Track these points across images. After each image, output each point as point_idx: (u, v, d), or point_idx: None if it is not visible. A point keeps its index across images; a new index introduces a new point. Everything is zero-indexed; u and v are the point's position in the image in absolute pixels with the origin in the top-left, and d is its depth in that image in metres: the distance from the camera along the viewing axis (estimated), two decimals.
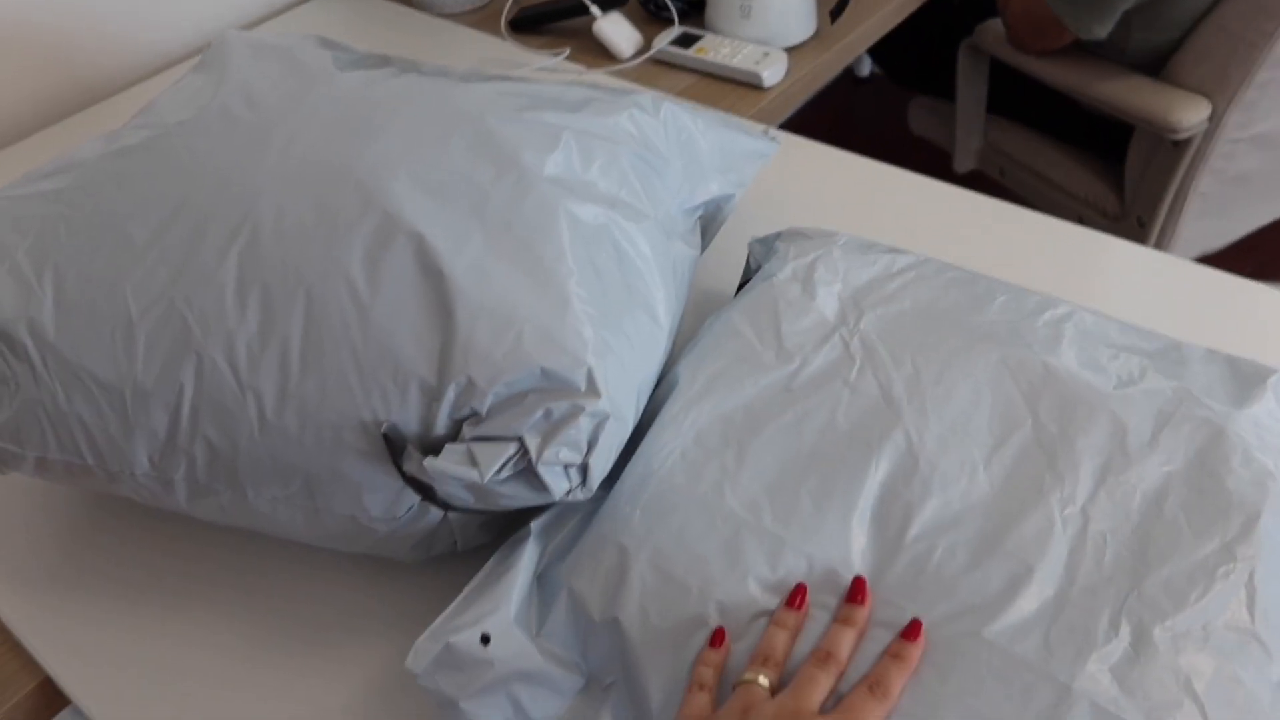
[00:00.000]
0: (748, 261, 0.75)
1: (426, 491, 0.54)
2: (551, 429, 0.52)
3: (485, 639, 0.52)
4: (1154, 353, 0.61)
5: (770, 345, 0.64)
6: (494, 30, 1.29)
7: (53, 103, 1.22)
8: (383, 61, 0.73)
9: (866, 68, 2.59)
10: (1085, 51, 1.38)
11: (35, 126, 1.20)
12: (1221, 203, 1.41)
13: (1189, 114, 1.27)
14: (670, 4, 1.25)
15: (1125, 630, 0.48)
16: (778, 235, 0.73)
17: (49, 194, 0.63)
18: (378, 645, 0.63)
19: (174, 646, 0.64)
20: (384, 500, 0.56)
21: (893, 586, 0.51)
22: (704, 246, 0.76)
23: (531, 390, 0.53)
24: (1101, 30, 1.26)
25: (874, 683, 0.48)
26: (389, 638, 0.63)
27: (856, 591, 0.51)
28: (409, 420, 0.53)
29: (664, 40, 1.21)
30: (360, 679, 0.61)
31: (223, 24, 1.35)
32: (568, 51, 1.21)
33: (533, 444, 0.52)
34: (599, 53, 1.23)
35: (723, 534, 0.54)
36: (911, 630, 0.49)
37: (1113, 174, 1.48)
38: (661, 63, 1.22)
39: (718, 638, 0.51)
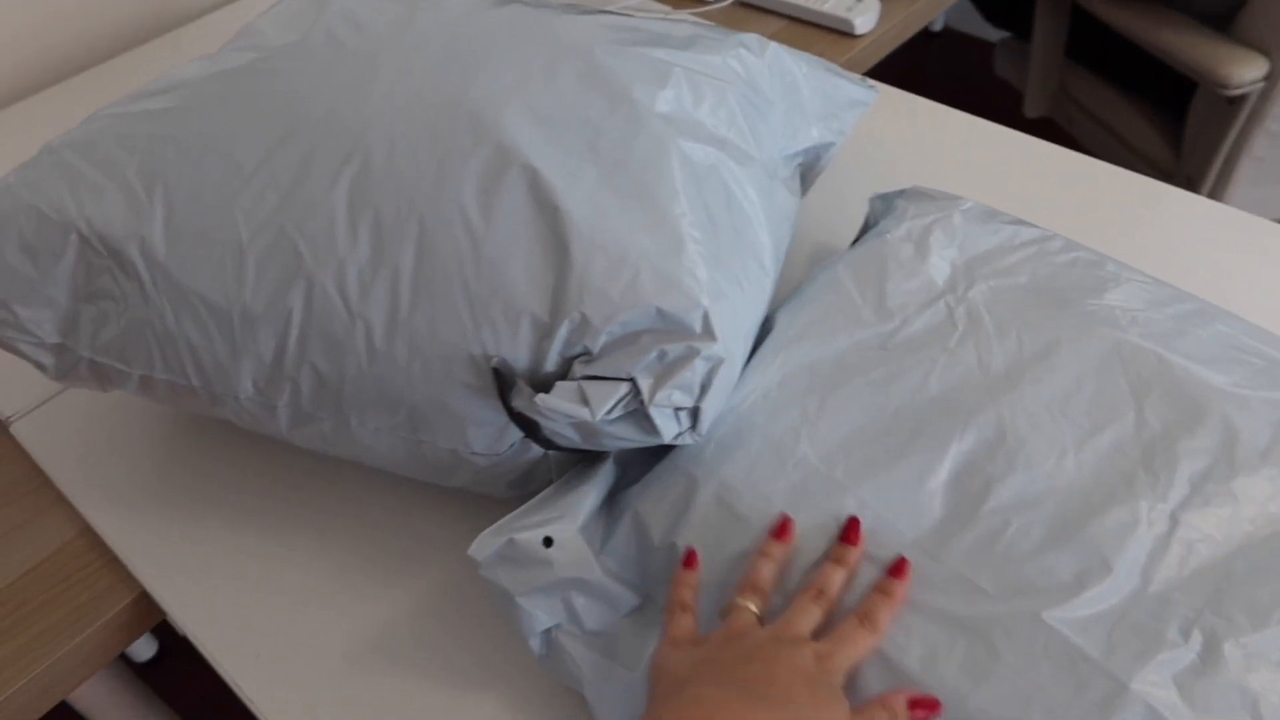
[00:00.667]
0: (866, 219, 0.74)
1: (531, 428, 0.54)
2: (665, 371, 0.52)
3: (548, 541, 0.53)
4: None
5: (871, 302, 0.63)
6: None
7: (136, 26, 1.21)
8: None
9: (940, 22, 2.53)
10: (1158, 0, 1.34)
11: (118, 49, 1.20)
12: (1277, 169, 1.37)
13: (1243, 69, 1.25)
14: None
15: (1196, 640, 0.47)
16: (900, 193, 0.72)
17: (155, 113, 0.63)
18: (456, 569, 0.64)
19: (263, 565, 0.66)
20: (488, 435, 0.56)
21: (958, 555, 0.51)
22: (802, 194, 0.75)
23: (646, 331, 0.52)
24: None
25: (864, 615, 0.49)
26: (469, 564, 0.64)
27: (849, 532, 0.51)
28: (519, 356, 0.53)
29: None
30: (429, 591, 0.63)
31: None
32: None
33: (645, 385, 0.51)
34: None
35: (791, 478, 0.55)
36: (898, 568, 0.50)
37: (1174, 131, 1.46)
38: (748, 5, 1.19)
39: (691, 559, 0.52)
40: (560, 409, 0.51)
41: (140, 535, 0.68)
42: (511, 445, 0.57)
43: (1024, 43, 1.70)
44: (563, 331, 0.52)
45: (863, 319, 0.62)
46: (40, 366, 0.63)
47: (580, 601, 0.55)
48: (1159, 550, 0.50)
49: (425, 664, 0.60)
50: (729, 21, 1.16)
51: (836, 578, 0.50)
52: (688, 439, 0.54)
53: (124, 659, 1.38)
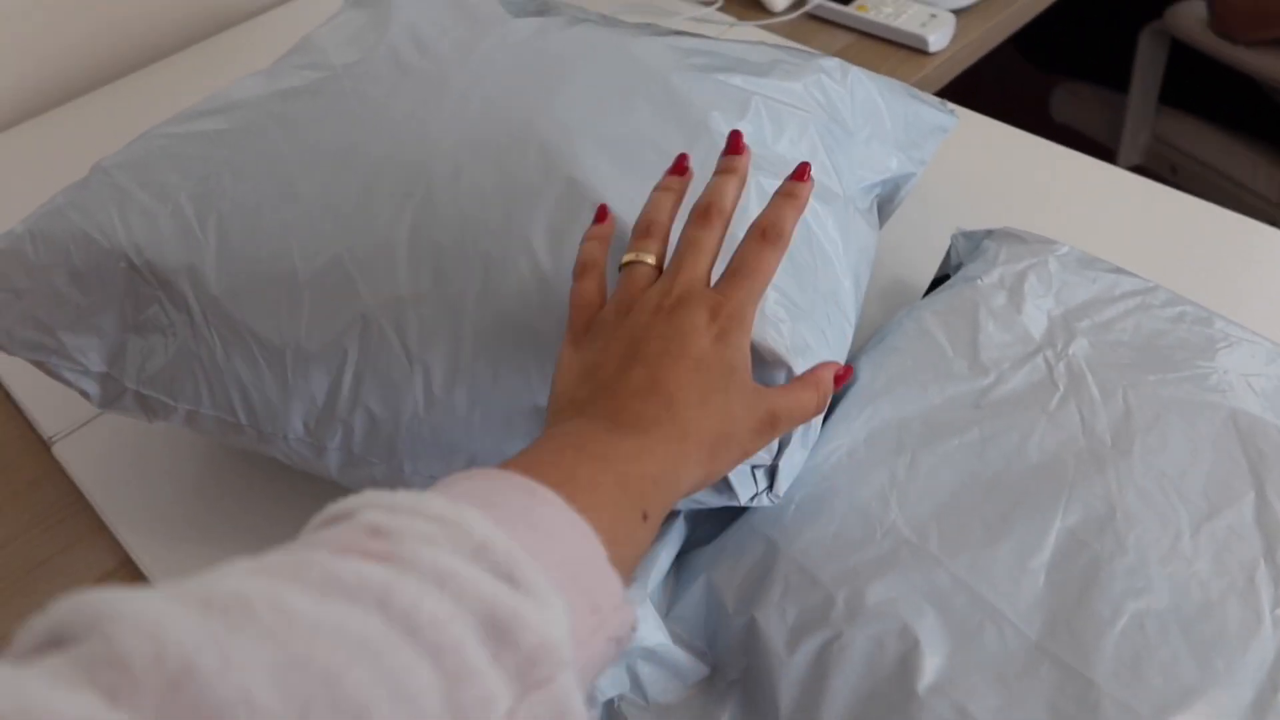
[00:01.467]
0: (948, 254, 0.70)
1: None
2: None
3: None
4: None
5: (964, 354, 0.58)
6: None
7: (186, 28, 1.20)
8: (550, 8, 0.69)
9: None
10: None
11: (167, 52, 1.19)
12: None
13: None
14: None
15: None
16: (988, 233, 0.67)
17: (211, 135, 0.61)
18: None
19: None
20: None
21: (1068, 645, 0.46)
22: (881, 223, 0.71)
23: None
24: None
25: (765, 226, 0.45)
26: None
27: (734, 143, 0.48)
28: None
29: None
30: None
31: None
32: (720, 2, 1.15)
33: None
34: (750, 4, 1.16)
35: (881, 548, 0.50)
36: (800, 171, 0.47)
37: None
38: (817, 19, 1.15)
39: (601, 213, 0.49)
40: None
41: (182, 568, 0.65)
42: None
43: (1085, 84, 1.64)
44: None
45: (954, 372, 0.58)
46: (84, 394, 0.60)
47: (645, 670, 0.51)
48: None
49: None
50: (796, 34, 1.11)
51: (728, 189, 0.46)
52: (764, 500, 0.51)
53: None
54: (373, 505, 0.29)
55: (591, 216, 0.51)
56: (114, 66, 1.15)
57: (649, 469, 0.39)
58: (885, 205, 0.71)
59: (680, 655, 0.50)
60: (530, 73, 0.60)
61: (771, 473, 0.51)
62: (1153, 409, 0.54)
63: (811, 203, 0.57)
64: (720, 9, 1.14)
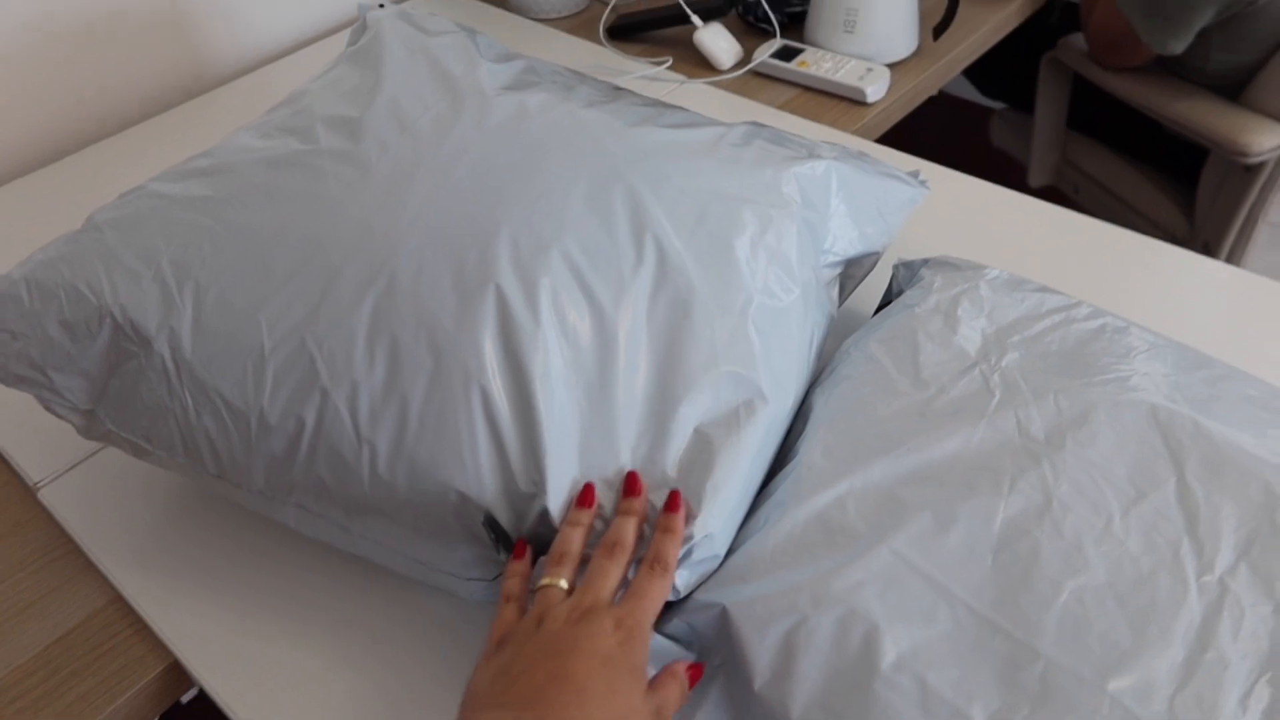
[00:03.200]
0: (890, 284, 0.75)
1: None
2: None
3: None
4: None
5: (907, 374, 0.63)
6: (591, 36, 1.30)
7: (175, 86, 1.26)
8: (534, 79, 0.71)
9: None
10: (1166, 70, 1.37)
11: (159, 109, 1.24)
12: None
13: (1261, 138, 1.26)
14: (772, 16, 1.25)
15: (1255, 711, 0.46)
16: (924, 262, 0.72)
17: (198, 201, 0.64)
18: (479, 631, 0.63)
19: (298, 635, 0.65)
20: (480, 564, 0.56)
21: (1015, 619, 0.50)
22: (841, 301, 0.74)
23: None
24: (1177, 45, 1.26)
25: (653, 559, 0.51)
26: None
27: (631, 487, 0.54)
28: (506, 510, 0.54)
29: (765, 53, 1.21)
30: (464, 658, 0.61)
31: (331, 15, 1.37)
32: (670, 61, 1.22)
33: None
34: (698, 62, 1.23)
35: (840, 546, 0.54)
36: (671, 502, 0.53)
37: (1185, 197, 1.47)
38: (762, 75, 1.22)
39: (520, 549, 0.54)
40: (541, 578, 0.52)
41: (171, 603, 0.67)
42: (501, 574, 0.56)
43: (1021, 113, 1.73)
44: (535, 512, 0.53)
45: (899, 390, 0.62)
46: (73, 425, 0.64)
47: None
48: (1212, 616, 0.50)
49: None
50: (742, 90, 1.18)
51: (629, 528, 0.52)
52: (669, 597, 0.53)
53: None
54: None
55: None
56: (104, 125, 1.21)
57: None
58: (848, 283, 0.74)
59: (664, 645, 0.53)
60: (498, 164, 0.62)
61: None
62: (1081, 408, 0.59)
63: (768, 304, 0.60)
64: (670, 68, 1.21)
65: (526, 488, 0.52)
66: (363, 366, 0.55)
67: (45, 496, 0.75)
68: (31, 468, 0.77)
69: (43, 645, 0.66)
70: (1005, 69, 1.73)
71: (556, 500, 0.53)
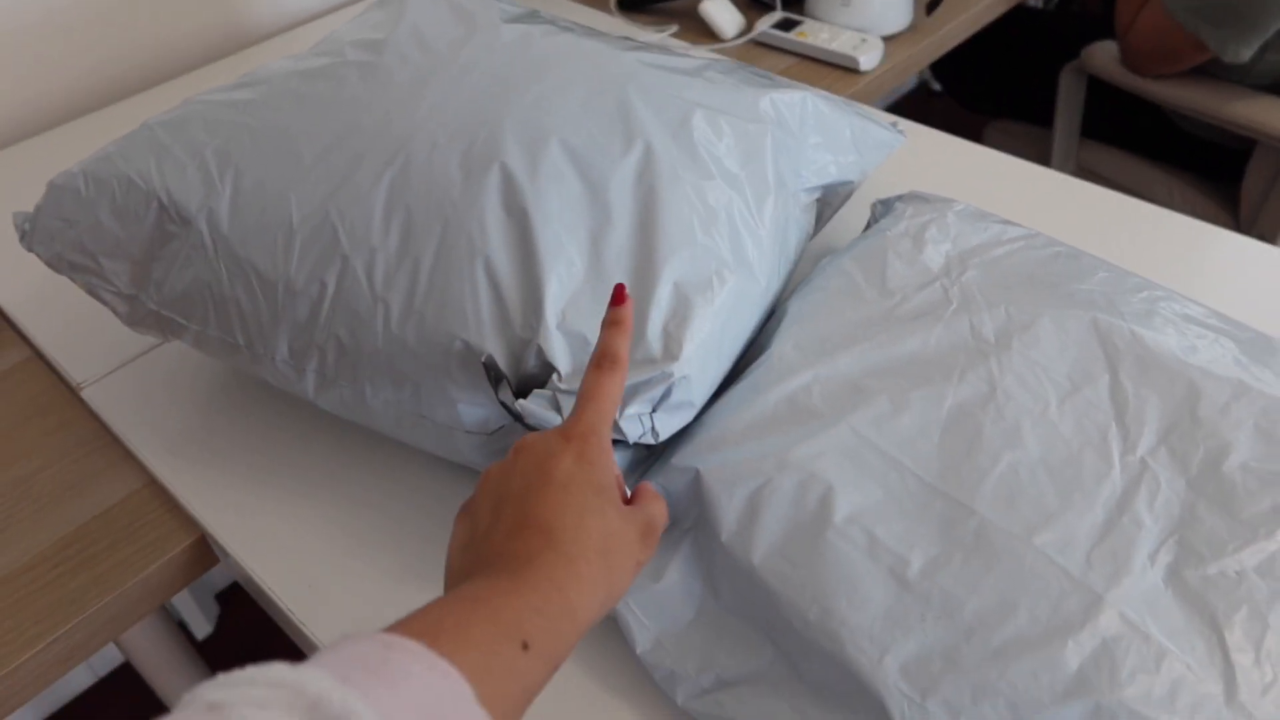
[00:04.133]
0: (869, 221, 0.81)
1: (519, 416, 0.59)
2: (630, 390, 0.58)
3: None
4: (1244, 340, 0.65)
5: (874, 285, 0.69)
6: (603, 7, 1.37)
7: (213, 43, 1.33)
8: (541, 18, 0.79)
9: (938, 79, 2.63)
10: (1205, 74, 1.40)
11: (204, 60, 1.31)
12: None
13: None
14: None
15: (1162, 564, 0.52)
16: (899, 197, 0.79)
17: (238, 103, 0.71)
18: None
19: (317, 510, 0.71)
20: (479, 416, 0.62)
21: (956, 485, 0.56)
22: (818, 228, 0.80)
23: None
24: (1247, 52, 1.28)
25: (600, 356, 0.48)
26: None
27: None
28: (505, 356, 0.59)
29: (766, 23, 1.28)
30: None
31: None
32: (675, 28, 1.28)
33: None
34: (703, 32, 1.29)
35: (805, 422, 0.60)
36: (617, 297, 0.49)
37: (1220, 193, 1.51)
38: (762, 44, 1.28)
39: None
40: (536, 414, 0.57)
41: (201, 487, 0.73)
42: (501, 427, 0.62)
43: (1016, 123, 1.77)
44: (531, 355, 0.58)
45: (866, 298, 0.69)
46: (116, 312, 0.71)
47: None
48: (1132, 487, 0.55)
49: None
50: (744, 57, 1.25)
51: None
52: (649, 440, 0.59)
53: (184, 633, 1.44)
54: (216, 683, 0.30)
55: (521, 207, 0.61)
56: (140, 79, 1.28)
57: (527, 600, 0.38)
58: (826, 209, 0.81)
59: None
60: (506, 73, 0.70)
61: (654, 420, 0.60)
62: (1029, 316, 0.65)
63: (737, 198, 0.66)
64: (675, 35, 1.28)
65: (523, 332, 0.59)
66: (379, 234, 0.62)
67: (88, 395, 0.82)
68: (75, 370, 0.84)
69: (83, 520, 0.73)
70: (994, 81, 1.78)
71: (549, 341, 0.58)
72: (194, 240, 0.66)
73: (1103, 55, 1.50)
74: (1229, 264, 0.87)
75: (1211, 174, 1.53)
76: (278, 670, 0.30)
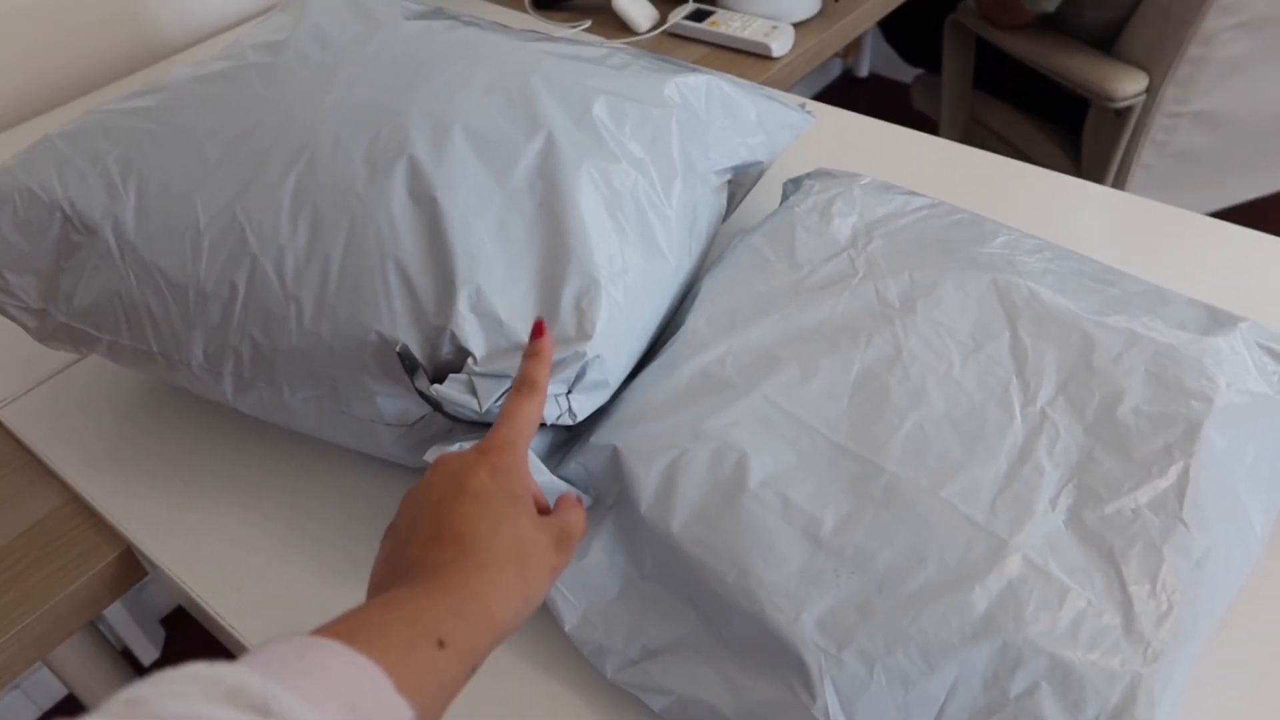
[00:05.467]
0: (781, 201, 0.83)
1: (436, 405, 0.60)
2: None
3: None
4: (1135, 292, 0.67)
5: (784, 259, 0.71)
6: (517, 5, 1.37)
7: (121, 60, 1.31)
8: (445, 15, 0.80)
9: (865, 68, 2.69)
10: (1048, 27, 1.49)
11: (111, 78, 1.29)
12: (1167, 178, 1.51)
13: (1125, 84, 1.39)
14: None
15: (1062, 507, 0.55)
16: (808, 174, 0.81)
17: (139, 110, 0.71)
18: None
19: (240, 516, 0.71)
20: (398, 408, 0.62)
21: (866, 444, 0.58)
22: (731, 209, 0.81)
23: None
24: (1050, 5, 1.37)
25: (520, 383, 0.50)
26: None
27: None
28: (419, 344, 0.59)
29: (679, 15, 1.29)
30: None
31: None
32: (588, 23, 1.29)
33: None
34: (618, 26, 1.31)
35: (718, 392, 0.61)
36: (536, 330, 0.53)
37: (1072, 145, 1.59)
38: (676, 35, 1.30)
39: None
40: (453, 399, 0.58)
41: (123, 500, 0.72)
42: (421, 418, 0.62)
43: (937, 76, 1.84)
44: (447, 337, 0.59)
45: (776, 272, 0.70)
46: (26, 328, 0.70)
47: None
48: (1032, 436, 0.57)
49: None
50: (658, 48, 1.26)
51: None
52: (567, 420, 0.60)
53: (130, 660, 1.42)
54: (136, 684, 0.30)
55: (430, 194, 0.61)
56: (48, 98, 1.26)
57: (443, 602, 0.40)
58: (738, 190, 0.82)
59: (562, 486, 0.60)
60: (409, 64, 0.70)
61: (570, 400, 0.60)
62: (931, 280, 0.67)
63: (641, 180, 0.67)
64: (588, 30, 1.29)
65: (436, 320, 0.59)
66: (287, 232, 0.62)
67: (4, 416, 0.81)
68: None
69: (7, 540, 0.72)
70: (920, 35, 1.83)
71: (462, 326, 0.58)
72: (100, 249, 0.65)
73: (971, 8, 1.59)
74: (1089, 211, 0.92)
75: (1070, 127, 1.61)
76: (195, 667, 0.31)
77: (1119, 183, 1.49)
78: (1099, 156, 1.50)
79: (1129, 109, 1.41)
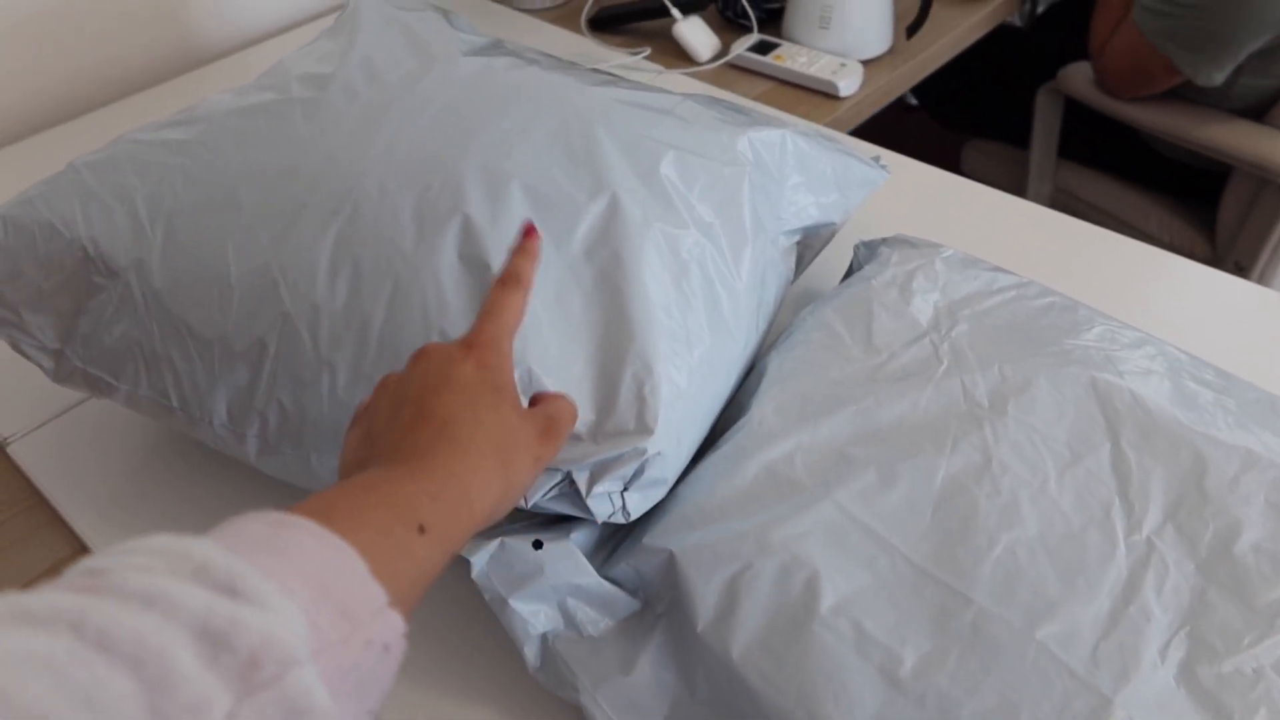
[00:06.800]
0: (851, 265, 0.77)
1: None
2: (599, 467, 0.53)
3: (538, 544, 0.54)
4: (1249, 401, 0.61)
5: (860, 341, 0.65)
6: (574, 27, 1.32)
7: (164, 61, 1.26)
8: (504, 50, 0.74)
9: (916, 97, 2.61)
10: (1180, 96, 1.38)
11: (154, 81, 1.24)
12: None
13: None
14: (750, 11, 1.27)
15: (1173, 660, 0.48)
16: (884, 241, 0.74)
17: (173, 144, 0.66)
18: (450, 582, 0.64)
19: None
20: None
21: (951, 570, 0.52)
22: (798, 273, 0.75)
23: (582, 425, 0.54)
24: (1220, 76, 1.26)
25: (506, 275, 0.48)
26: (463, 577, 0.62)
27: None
28: None
29: (742, 46, 1.23)
30: (422, 606, 0.62)
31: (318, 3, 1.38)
32: (648, 50, 1.24)
33: (580, 479, 0.53)
34: (677, 54, 1.25)
35: (787, 498, 0.56)
36: (527, 231, 0.50)
37: (1198, 217, 1.48)
38: (738, 68, 1.24)
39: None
40: None
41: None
42: None
43: (993, 142, 1.75)
44: None
45: (851, 355, 0.64)
46: (42, 368, 0.65)
47: (576, 606, 0.56)
48: (1138, 571, 0.51)
49: (418, 675, 0.60)
50: (719, 82, 1.20)
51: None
52: (620, 518, 0.55)
53: None
54: (98, 554, 0.29)
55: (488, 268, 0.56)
56: (91, 100, 1.21)
57: (423, 486, 0.39)
58: (806, 252, 0.76)
59: (609, 590, 0.55)
60: (464, 110, 0.65)
61: (625, 498, 0.55)
62: (1024, 377, 0.61)
63: (712, 248, 0.61)
64: (647, 58, 1.23)
65: None
66: (324, 290, 0.57)
67: (15, 451, 0.76)
68: (2, 424, 0.78)
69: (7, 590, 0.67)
70: (971, 100, 1.76)
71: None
72: (123, 294, 0.60)
73: (1078, 77, 1.48)
74: (1207, 300, 0.84)
75: (1189, 197, 1.51)
76: (161, 539, 0.30)
77: (1276, 256, 1.38)
78: (1254, 231, 1.39)
79: None
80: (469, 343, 0.45)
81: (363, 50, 0.71)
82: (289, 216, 0.60)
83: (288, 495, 0.68)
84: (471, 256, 0.57)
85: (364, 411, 0.46)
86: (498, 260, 0.56)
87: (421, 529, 0.37)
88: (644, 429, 0.54)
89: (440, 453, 0.41)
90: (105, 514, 0.71)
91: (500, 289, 0.48)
